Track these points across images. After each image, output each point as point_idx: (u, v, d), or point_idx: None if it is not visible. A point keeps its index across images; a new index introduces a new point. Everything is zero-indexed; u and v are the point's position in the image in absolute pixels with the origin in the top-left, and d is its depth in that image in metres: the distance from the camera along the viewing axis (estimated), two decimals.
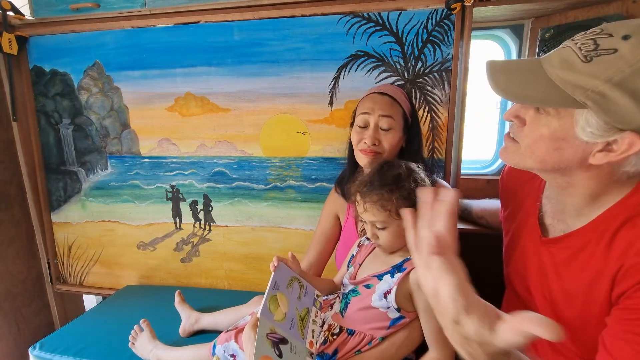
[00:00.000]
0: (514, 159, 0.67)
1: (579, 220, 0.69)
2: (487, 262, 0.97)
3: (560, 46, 0.59)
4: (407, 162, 0.83)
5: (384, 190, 0.76)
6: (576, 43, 0.56)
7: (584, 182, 0.63)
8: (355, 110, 1.02)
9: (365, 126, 0.95)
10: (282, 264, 0.83)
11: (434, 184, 0.93)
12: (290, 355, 0.73)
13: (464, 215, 1.38)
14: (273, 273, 0.80)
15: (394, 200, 0.75)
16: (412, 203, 0.75)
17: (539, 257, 0.76)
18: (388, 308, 0.79)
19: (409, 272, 0.77)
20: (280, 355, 0.71)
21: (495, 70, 0.62)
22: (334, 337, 0.83)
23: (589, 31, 0.56)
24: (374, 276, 0.83)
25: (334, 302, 0.93)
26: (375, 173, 0.81)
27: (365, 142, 0.94)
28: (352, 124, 1.03)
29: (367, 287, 0.83)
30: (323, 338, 0.84)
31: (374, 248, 0.89)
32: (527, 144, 0.63)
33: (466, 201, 1.39)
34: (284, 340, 0.74)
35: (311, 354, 0.79)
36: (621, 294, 0.60)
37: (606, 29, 0.54)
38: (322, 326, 0.86)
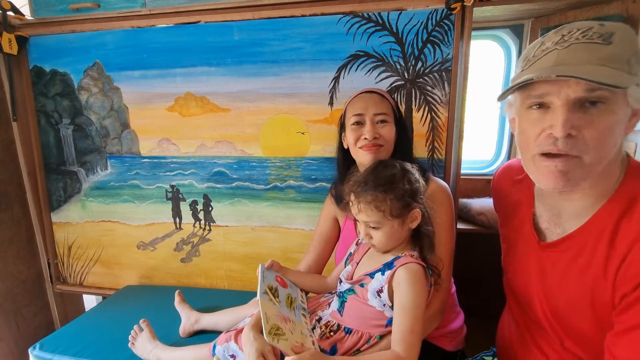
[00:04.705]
0: (580, 175, 0.62)
1: (574, 223, 0.69)
2: (488, 262, 0.98)
3: (568, 49, 0.60)
4: (402, 162, 0.83)
5: (378, 191, 0.76)
6: (577, 39, 0.59)
7: (611, 165, 0.64)
8: (343, 115, 1.02)
9: (361, 124, 0.95)
10: (268, 271, 0.93)
11: (427, 182, 0.94)
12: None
13: (462, 214, 1.38)
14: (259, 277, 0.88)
15: (388, 201, 0.75)
16: (406, 204, 0.76)
17: (540, 262, 0.75)
18: (384, 306, 0.80)
19: (396, 270, 0.78)
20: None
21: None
22: (332, 333, 0.84)
23: (565, 32, 0.61)
24: (366, 274, 0.83)
25: (332, 301, 0.93)
26: (369, 173, 0.80)
27: (365, 138, 0.93)
28: (340, 129, 1.03)
29: (361, 285, 0.84)
30: (320, 332, 0.85)
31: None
32: (594, 146, 0.59)
33: (465, 200, 1.39)
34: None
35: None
36: (623, 296, 0.60)
37: (575, 27, 0.61)
38: (312, 329, 0.88)
